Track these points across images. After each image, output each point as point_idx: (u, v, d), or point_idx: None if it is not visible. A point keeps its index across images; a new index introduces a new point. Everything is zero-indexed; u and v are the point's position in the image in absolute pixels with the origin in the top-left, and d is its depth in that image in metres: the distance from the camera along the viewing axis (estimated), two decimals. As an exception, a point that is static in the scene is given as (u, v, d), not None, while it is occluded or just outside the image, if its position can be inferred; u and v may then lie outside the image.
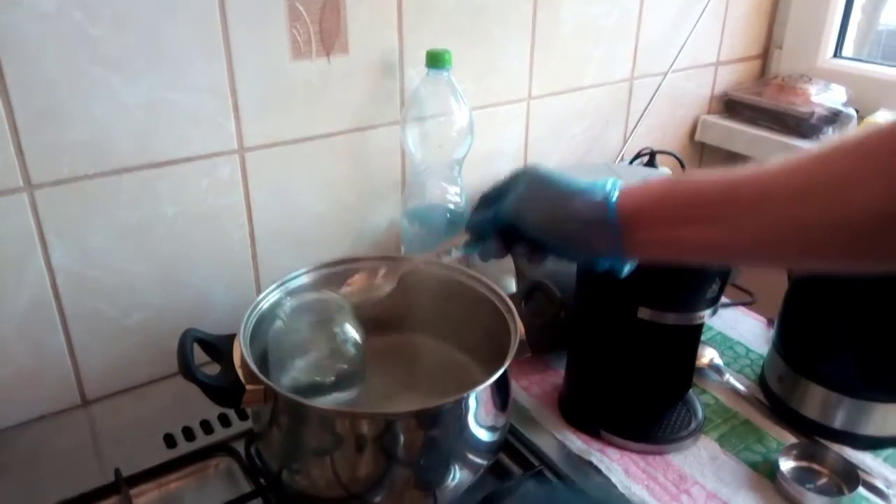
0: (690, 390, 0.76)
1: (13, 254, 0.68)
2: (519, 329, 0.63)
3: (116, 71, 0.67)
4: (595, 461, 0.69)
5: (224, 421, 0.74)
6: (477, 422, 0.58)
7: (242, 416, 0.74)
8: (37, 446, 0.72)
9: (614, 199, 0.50)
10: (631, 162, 1.09)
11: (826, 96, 1.11)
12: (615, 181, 0.52)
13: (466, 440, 0.59)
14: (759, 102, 1.17)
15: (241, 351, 0.59)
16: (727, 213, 0.46)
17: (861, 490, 0.65)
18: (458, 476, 0.59)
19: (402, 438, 0.56)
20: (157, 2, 0.67)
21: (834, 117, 1.10)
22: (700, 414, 0.74)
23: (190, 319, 0.71)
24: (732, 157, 1.20)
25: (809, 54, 1.20)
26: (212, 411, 0.75)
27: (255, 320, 0.64)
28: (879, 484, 0.66)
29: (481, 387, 0.57)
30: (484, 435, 0.60)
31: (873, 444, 0.71)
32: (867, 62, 1.18)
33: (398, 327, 0.75)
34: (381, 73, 0.84)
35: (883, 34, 1.22)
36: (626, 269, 0.53)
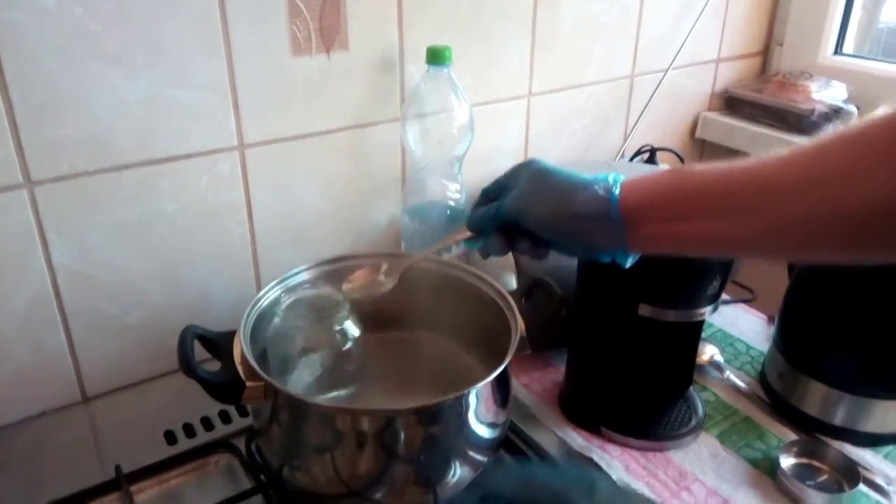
0: (691, 387, 0.76)
1: (13, 251, 0.68)
2: (519, 326, 0.63)
3: (116, 67, 0.67)
4: (595, 458, 0.69)
5: (224, 418, 0.74)
6: (477, 418, 0.58)
7: (243, 412, 0.74)
8: (38, 443, 0.72)
9: (617, 193, 0.50)
10: (631, 159, 1.09)
11: (827, 93, 1.11)
12: (616, 175, 0.52)
13: (467, 437, 0.59)
14: (760, 99, 1.17)
15: (242, 347, 0.58)
16: (729, 207, 0.46)
17: (861, 487, 0.65)
18: (458, 473, 0.59)
19: (402, 435, 0.55)
20: (157, -2, 0.67)
21: (834, 114, 1.10)
22: (700, 411, 0.74)
23: (190, 316, 0.71)
24: (733, 154, 1.19)
25: (810, 51, 1.20)
26: (212, 408, 0.75)
27: (255, 317, 0.64)
28: (880, 481, 0.66)
29: (482, 383, 0.57)
30: (484, 432, 0.60)
31: (874, 440, 0.70)
32: (868, 59, 1.18)
33: (398, 324, 0.75)
34: (382, 70, 0.84)
35: (883, 31, 1.22)
36: (630, 261, 0.53)
